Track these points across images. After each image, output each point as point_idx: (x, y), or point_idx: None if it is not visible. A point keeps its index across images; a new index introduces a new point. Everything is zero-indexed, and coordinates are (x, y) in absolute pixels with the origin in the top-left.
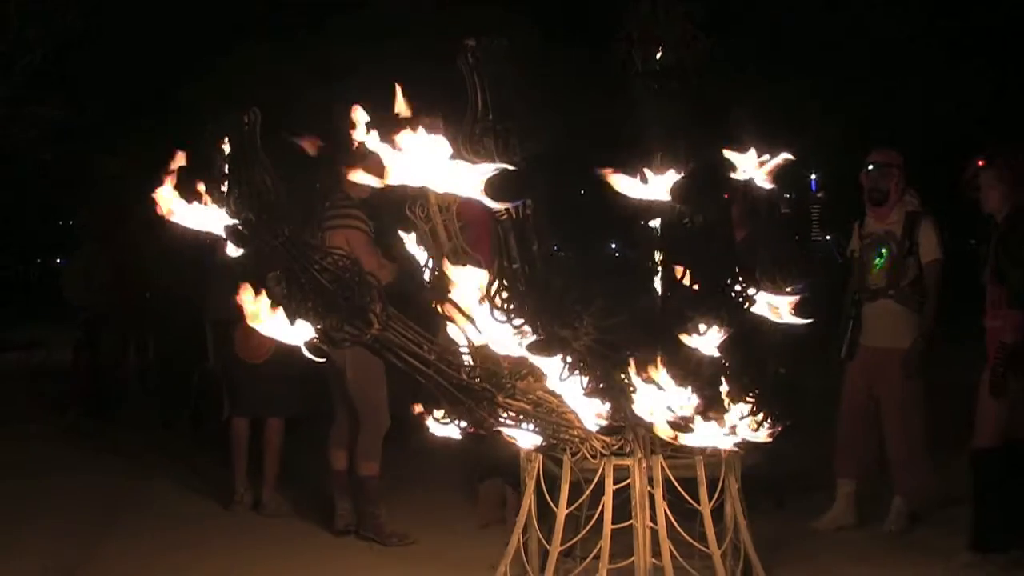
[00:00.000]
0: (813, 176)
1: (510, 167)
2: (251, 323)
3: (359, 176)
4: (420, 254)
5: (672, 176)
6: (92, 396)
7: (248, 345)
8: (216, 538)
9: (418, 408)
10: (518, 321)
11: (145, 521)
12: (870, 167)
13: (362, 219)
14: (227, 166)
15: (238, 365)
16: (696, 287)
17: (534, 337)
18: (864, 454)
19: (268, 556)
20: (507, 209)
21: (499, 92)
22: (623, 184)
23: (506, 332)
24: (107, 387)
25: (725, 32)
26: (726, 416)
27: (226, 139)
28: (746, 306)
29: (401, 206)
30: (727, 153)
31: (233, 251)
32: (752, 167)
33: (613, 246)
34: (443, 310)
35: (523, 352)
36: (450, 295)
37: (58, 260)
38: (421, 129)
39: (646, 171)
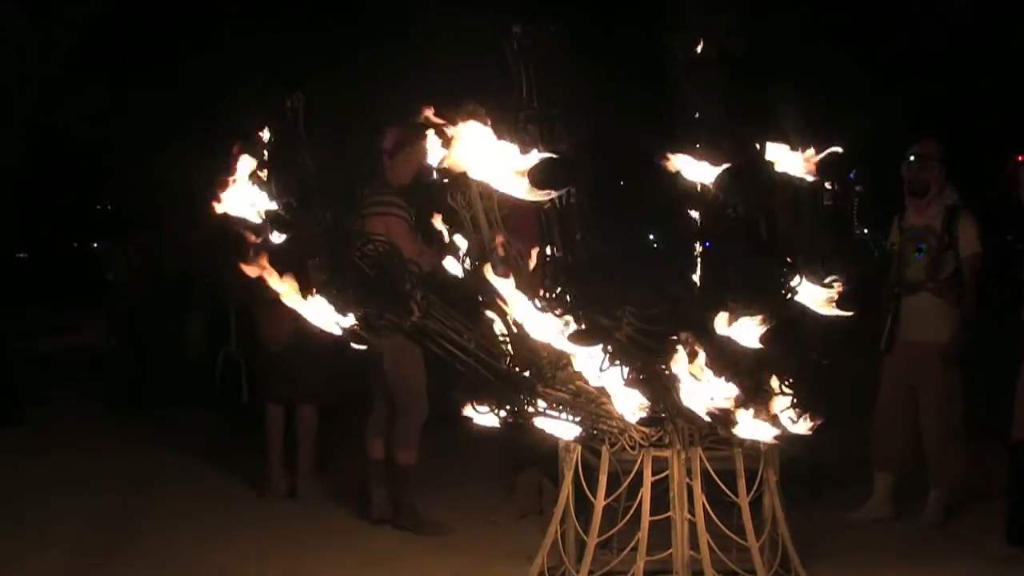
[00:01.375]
0: (853, 170)
1: (555, 155)
2: (288, 303)
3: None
4: (461, 241)
5: (716, 167)
6: (134, 381)
7: (271, 327)
8: (250, 524)
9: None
10: (560, 310)
11: (178, 506)
12: (911, 159)
13: (402, 206)
14: (269, 151)
15: (268, 351)
16: (737, 277)
17: (575, 326)
18: (901, 447)
19: (302, 543)
20: (551, 199)
21: (545, 79)
22: (683, 164)
23: (547, 321)
24: (150, 372)
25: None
26: (766, 408)
27: (268, 124)
28: (788, 297)
29: (442, 193)
30: (771, 145)
31: (275, 236)
32: (796, 159)
33: (651, 237)
34: (483, 298)
35: (564, 341)
36: (491, 283)
37: (95, 244)
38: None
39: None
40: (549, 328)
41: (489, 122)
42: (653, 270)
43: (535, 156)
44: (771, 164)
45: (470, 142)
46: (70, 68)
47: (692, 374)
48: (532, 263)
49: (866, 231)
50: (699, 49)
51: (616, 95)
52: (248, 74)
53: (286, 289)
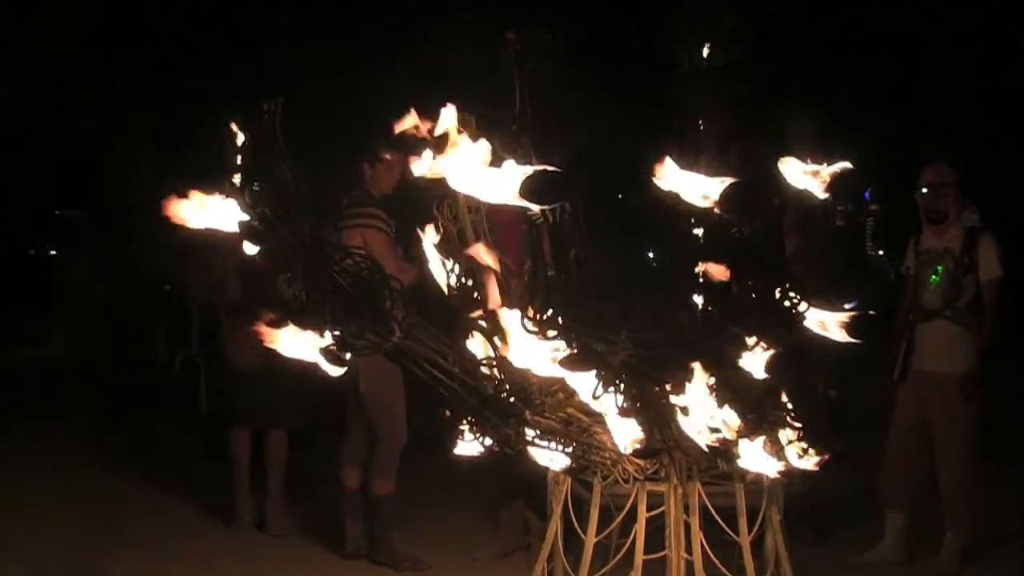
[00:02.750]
0: (867, 188)
1: (549, 168)
2: (267, 337)
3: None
4: (445, 257)
5: (720, 182)
6: (117, 394)
7: (238, 344)
8: (216, 555)
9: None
10: (551, 332)
11: (144, 534)
12: (924, 190)
13: (382, 218)
14: (243, 158)
15: (234, 370)
16: (742, 300)
17: (567, 350)
18: (915, 485)
19: None
20: (543, 212)
21: (540, 89)
22: (685, 179)
23: (537, 344)
24: (130, 384)
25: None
26: (770, 441)
27: (242, 129)
28: (795, 323)
29: (426, 204)
30: (780, 160)
31: (248, 248)
32: (806, 175)
33: (651, 255)
34: (469, 318)
35: (555, 366)
36: (477, 301)
37: (52, 252)
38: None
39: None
40: (539, 352)
41: (480, 132)
42: (652, 291)
43: (528, 168)
44: (779, 180)
45: (458, 152)
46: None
47: (691, 403)
48: (520, 281)
49: (881, 253)
50: (704, 54)
51: (615, 107)
52: (227, 79)
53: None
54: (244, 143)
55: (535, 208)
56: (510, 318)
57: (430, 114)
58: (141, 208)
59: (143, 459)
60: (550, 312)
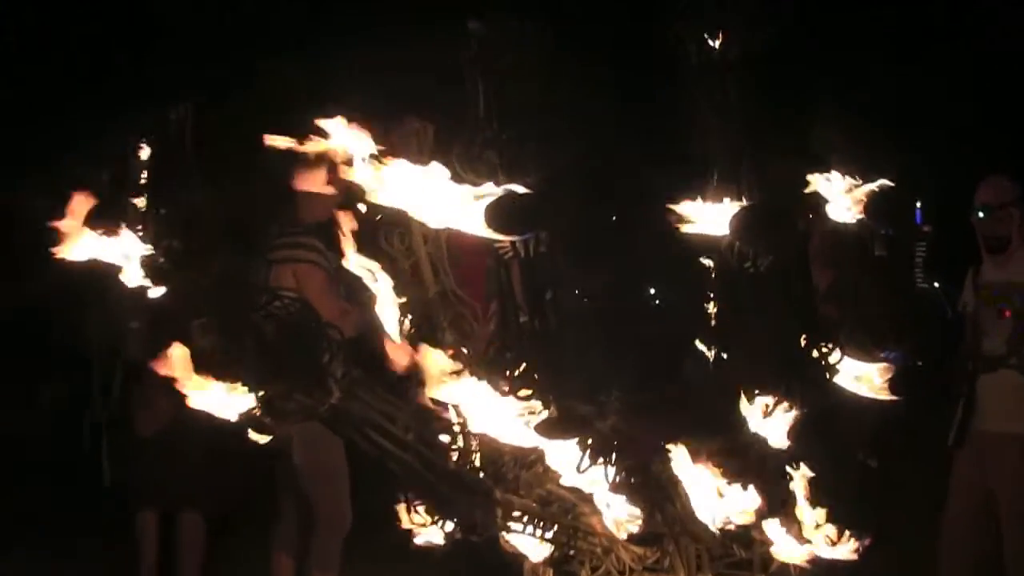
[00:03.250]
0: (919, 204)
1: (519, 189)
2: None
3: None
4: (396, 298)
5: (732, 204)
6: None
7: (143, 404)
8: None
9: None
10: (524, 393)
11: None
12: (979, 212)
13: (319, 250)
14: (148, 178)
15: (138, 437)
16: (760, 352)
17: (545, 414)
18: (977, 570)
19: None
20: (513, 244)
21: (510, 92)
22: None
23: (509, 406)
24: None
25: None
26: (796, 523)
27: (147, 143)
28: (826, 378)
29: (372, 234)
30: (808, 175)
31: (153, 291)
32: (839, 193)
33: (652, 292)
34: (425, 374)
35: (530, 434)
36: (434, 355)
37: None
38: (404, 139)
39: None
40: (511, 415)
41: (437, 145)
42: (650, 339)
43: (493, 190)
44: (806, 200)
45: (409, 170)
46: None
47: (699, 477)
48: (487, 328)
49: (936, 285)
50: (716, 45)
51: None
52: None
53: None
54: (149, 158)
55: (503, 239)
56: (476, 374)
57: (378, 122)
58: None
59: (28, 540)
60: (523, 367)
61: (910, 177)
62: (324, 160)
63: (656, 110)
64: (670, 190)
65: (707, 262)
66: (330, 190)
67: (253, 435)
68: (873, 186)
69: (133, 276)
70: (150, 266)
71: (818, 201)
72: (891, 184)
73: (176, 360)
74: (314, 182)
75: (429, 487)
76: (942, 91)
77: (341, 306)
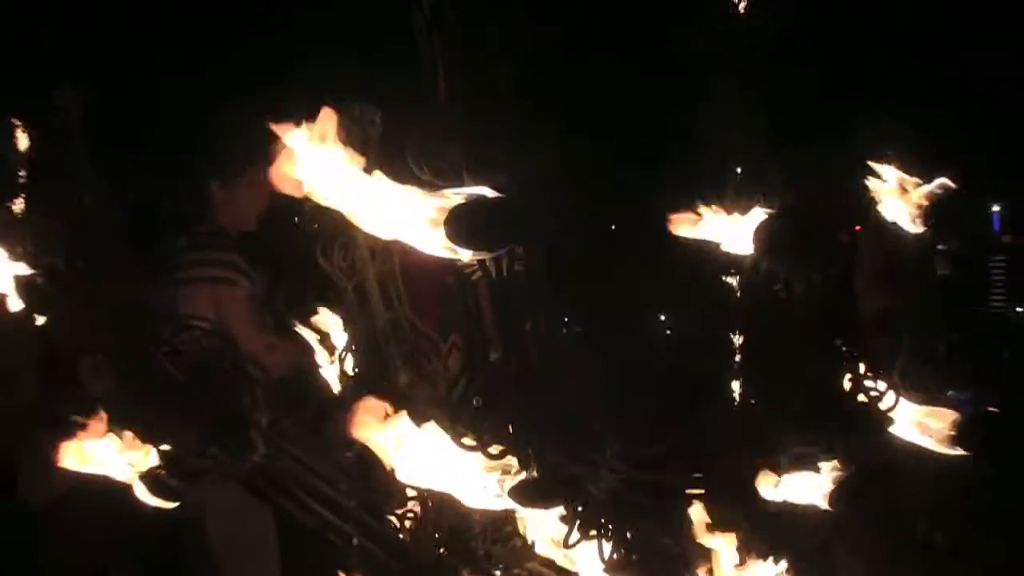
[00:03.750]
0: (995, 210)
1: (490, 193)
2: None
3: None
4: (337, 329)
5: (757, 212)
6: None
7: (27, 467)
8: None
9: None
10: (496, 449)
11: None
12: None
13: (241, 268)
14: (27, 177)
15: (23, 510)
16: (794, 395)
17: (523, 475)
18: None
19: None
20: (482, 261)
21: (478, 70)
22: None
23: (478, 465)
24: None
25: None
26: None
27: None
28: (877, 428)
29: (307, 248)
30: (851, 173)
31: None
32: (894, 197)
33: (662, 318)
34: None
35: (505, 498)
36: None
37: None
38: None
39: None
40: (480, 476)
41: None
42: (658, 381)
43: (457, 194)
44: (849, 204)
45: (351, 168)
46: None
47: (718, 550)
48: (449, 367)
49: (1020, 310)
50: (738, 13)
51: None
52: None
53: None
54: (27, 151)
55: (466, 256)
56: (436, 424)
57: (310, 108)
58: None
59: None
60: (495, 415)
61: (984, 177)
62: (261, 151)
63: (664, 97)
64: (680, 195)
65: (728, 283)
66: (259, 191)
67: (155, 501)
68: (935, 187)
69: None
70: (28, 290)
71: (867, 207)
72: (958, 186)
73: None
74: (241, 180)
75: (378, 566)
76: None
77: (268, 339)
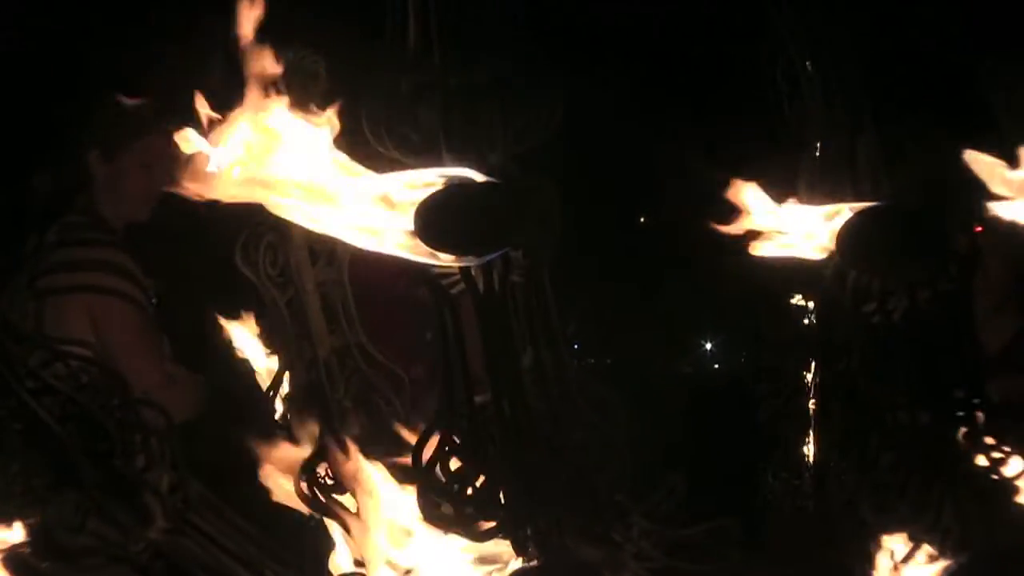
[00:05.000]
0: None
1: (477, 177)
2: None
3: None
4: (261, 355)
5: (838, 211)
6: None
7: None
8: None
9: None
10: (485, 525)
11: None
12: None
13: (129, 273)
14: None
15: None
16: (889, 454)
17: (523, 559)
18: None
19: None
20: (466, 270)
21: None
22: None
23: (462, 544)
24: None
25: None
26: None
27: None
28: (998, 500)
29: (224, 244)
30: (966, 163)
31: None
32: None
33: (708, 348)
34: (313, 489)
35: None
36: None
37: None
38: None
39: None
40: (461, 563)
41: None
42: (700, 432)
43: (431, 177)
44: (964, 204)
45: (287, 139)
46: None
47: None
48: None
49: None
50: None
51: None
52: None
53: None
54: None
55: (447, 262)
56: (401, 489)
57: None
58: None
59: None
60: (483, 480)
61: None
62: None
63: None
64: (735, 179)
65: (802, 302)
66: (155, 168)
67: None
68: None
69: None
70: None
71: (986, 204)
72: None
73: None
74: (130, 154)
75: None
76: None
77: (166, 370)
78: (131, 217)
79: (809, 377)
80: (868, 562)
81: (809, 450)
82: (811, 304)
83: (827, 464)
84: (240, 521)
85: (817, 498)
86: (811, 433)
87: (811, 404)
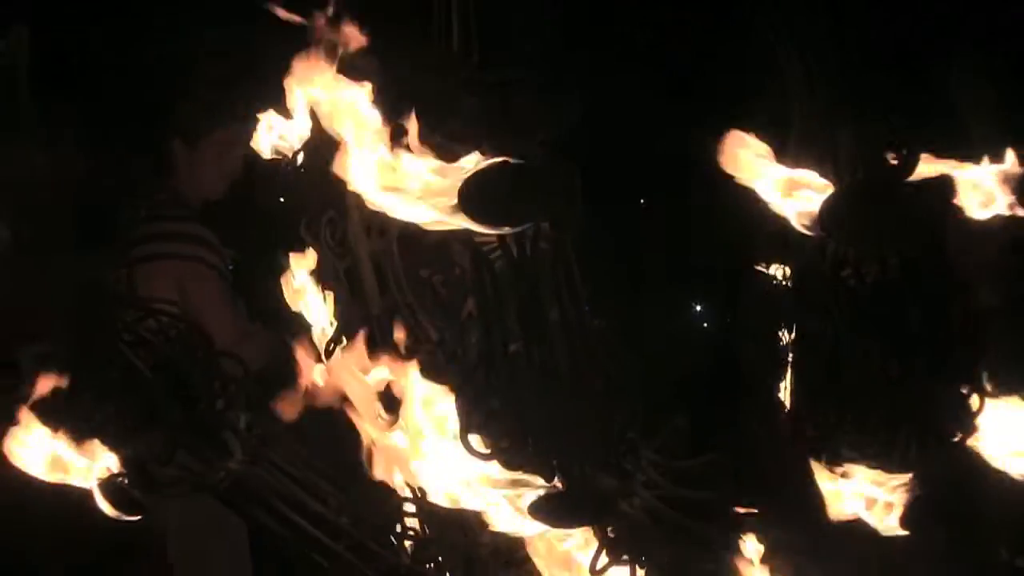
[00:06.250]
0: None
1: (513, 160)
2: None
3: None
4: (324, 315)
5: (820, 184)
6: None
7: None
8: None
9: None
10: (515, 458)
11: None
12: None
13: (209, 244)
14: None
15: None
16: (865, 401)
17: (544, 489)
18: None
19: None
20: (502, 238)
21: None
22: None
23: (491, 477)
24: None
25: None
26: None
27: None
28: (961, 440)
29: (291, 220)
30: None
31: None
32: (984, 175)
33: (698, 309)
34: (364, 429)
35: (523, 516)
36: (380, 400)
37: None
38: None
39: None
40: (493, 488)
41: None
42: (700, 381)
43: (474, 160)
44: (940, 183)
45: (345, 127)
46: None
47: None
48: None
49: None
50: None
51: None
52: None
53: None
54: None
55: (486, 231)
56: (438, 428)
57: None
58: None
59: None
60: (512, 420)
61: None
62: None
63: (712, 53)
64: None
65: (779, 271)
66: (230, 154)
67: (112, 510)
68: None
69: None
70: None
71: (952, 185)
72: None
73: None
74: (211, 145)
75: None
76: None
77: (242, 326)
78: (209, 196)
79: (790, 333)
80: (841, 501)
81: (789, 396)
82: (790, 268)
83: (805, 409)
84: (305, 453)
85: (796, 439)
86: (791, 382)
87: (791, 356)
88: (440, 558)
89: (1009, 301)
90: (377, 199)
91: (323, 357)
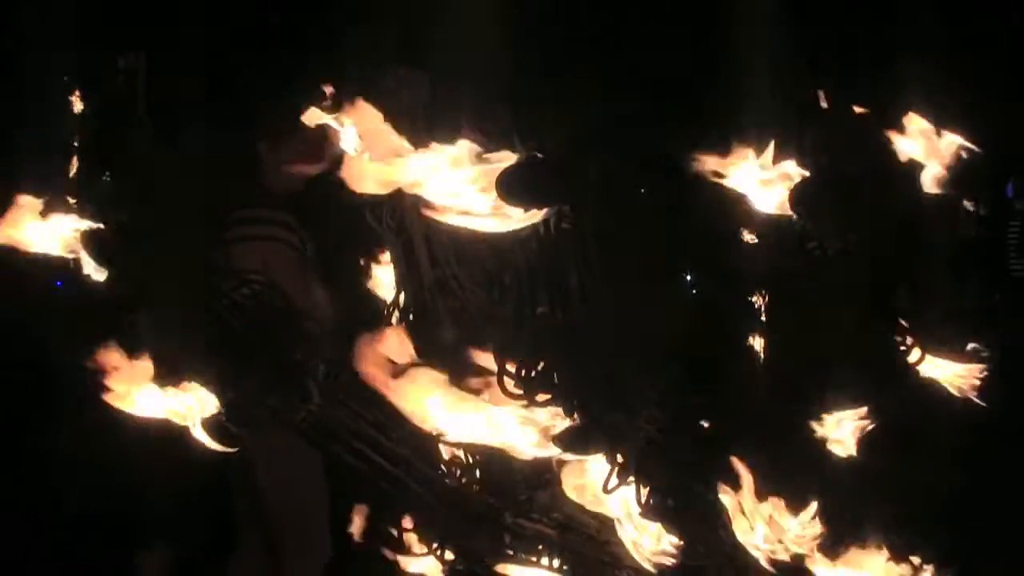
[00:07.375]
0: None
1: (538, 153)
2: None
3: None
4: (386, 284)
5: (792, 169)
6: None
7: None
8: None
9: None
10: (542, 396)
11: None
12: None
13: (290, 227)
14: (86, 136)
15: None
16: (825, 349)
17: (566, 423)
18: None
19: None
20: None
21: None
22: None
23: (522, 413)
24: None
25: None
26: (869, 556)
27: (85, 95)
28: (904, 380)
29: (355, 208)
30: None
31: (94, 271)
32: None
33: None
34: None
35: (548, 447)
36: (431, 352)
37: None
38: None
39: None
40: (525, 424)
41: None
42: (692, 334)
43: (508, 156)
44: (895, 168)
45: (397, 132)
46: None
47: (749, 499)
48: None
49: None
50: None
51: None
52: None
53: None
54: (87, 114)
55: (517, 214)
56: (483, 376)
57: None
58: None
59: None
60: (540, 366)
61: (1001, 144)
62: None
63: (691, 52)
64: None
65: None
66: (309, 157)
67: (215, 445)
68: (958, 150)
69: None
70: (95, 242)
71: (912, 167)
72: (975, 149)
73: (121, 360)
74: (291, 147)
75: (426, 509)
76: None
77: (317, 293)
78: (289, 189)
79: (765, 297)
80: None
81: (764, 352)
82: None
83: (779, 362)
84: (371, 396)
85: (772, 390)
86: (765, 340)
87: (763, 318)
88: (479, 479)
89: (942, 272)
90: (427, 193)
91: (387, 320)
